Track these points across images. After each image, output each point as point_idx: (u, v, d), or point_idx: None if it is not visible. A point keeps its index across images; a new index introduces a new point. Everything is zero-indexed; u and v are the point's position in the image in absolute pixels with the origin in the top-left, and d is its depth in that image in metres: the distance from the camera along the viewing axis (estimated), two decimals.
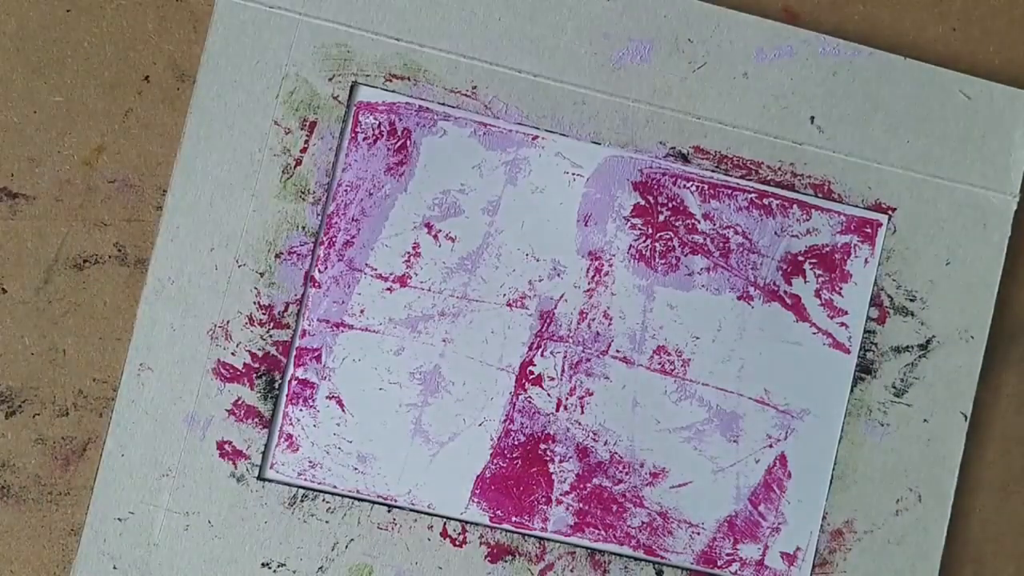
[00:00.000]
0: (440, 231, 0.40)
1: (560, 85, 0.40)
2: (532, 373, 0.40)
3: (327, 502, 0.39)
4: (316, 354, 0.39)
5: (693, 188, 0.41)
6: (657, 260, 0.41)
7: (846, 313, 0.41)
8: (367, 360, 0.40)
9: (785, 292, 0.41)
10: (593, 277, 0.40)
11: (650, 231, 0.41)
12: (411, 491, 0.40)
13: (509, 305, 0.40)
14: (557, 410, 0.40)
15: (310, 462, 0.39)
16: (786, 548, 0.41)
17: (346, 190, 0.40)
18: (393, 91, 0.40)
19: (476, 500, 0.40)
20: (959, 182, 0.41)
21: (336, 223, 0.39)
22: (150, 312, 0.39)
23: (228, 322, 0.39)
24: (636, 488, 0.41)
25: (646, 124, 0.40)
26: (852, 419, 0.41)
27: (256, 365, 0.39)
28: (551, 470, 0.40)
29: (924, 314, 0.41)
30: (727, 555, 0.41)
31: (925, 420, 0.41)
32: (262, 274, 0.39)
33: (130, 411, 0.39)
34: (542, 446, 0.40)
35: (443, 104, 0.40)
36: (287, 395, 0.39)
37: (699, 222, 0.41)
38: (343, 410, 0.39)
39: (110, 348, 0.39)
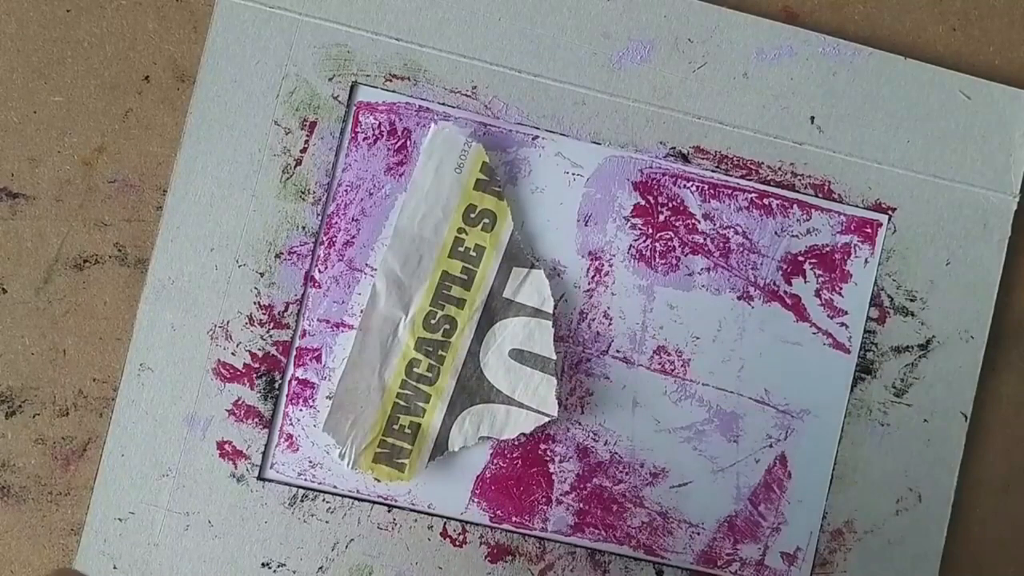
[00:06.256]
0: None
1: (560, 85, 0.40)
2: None
3: (327, 502, 0.39)
4: (316, 354, 0.39)
5: (693, 188, 0.41)
6: (657, 260, 0.41)
7: (846, 313, 0.41)
8: None
9: (785, 292, 0.41)
10: (593, 277, 0.40)
11: (650, 231, 0.41)
12: (411, 491, 0.40)
13: None
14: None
15: (310, 462, 0.39)
16: (786, 548, 0.41)
17: (346, 190, 0.40)
18: (393, 91, 0.40)
19: (476, 500, 0.40)
20: (959, 182, 0.41)
21: (336, 223, 0.39)
22: (150, 312, 0.39)
23: (228, 322, 0.39)
24: (636, 488, 0.41)
25: (646, 124, 0.40)
26: (852, 419, 0.41)
27: (256, 365, 0.39)
28: (551, 470, 0.40)
29: (924, 314, 0.41)
30: (727, 555, 0.41)
31: (925, 420, 0.41)
32: (262, 274, 0.39)
33: (130, 411, 0.39)
34: (542, 446, 0.40)
35: (443, 104, 0.40)
36: (287, 395, 0.39)
37: (699, 222, 0.41)
38: None
39: (110, 348, 0.39)
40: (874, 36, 0.42)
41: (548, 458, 0.40)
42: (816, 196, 0.41)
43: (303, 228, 0.39)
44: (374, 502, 0.39)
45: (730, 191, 0.41)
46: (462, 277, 0.39)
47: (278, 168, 0.39)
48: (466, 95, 0.40)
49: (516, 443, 0.40)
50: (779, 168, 0.41)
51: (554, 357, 0.39)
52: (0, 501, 0.39)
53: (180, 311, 0.39)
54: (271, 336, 0.39)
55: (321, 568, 0.39)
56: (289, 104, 0.39)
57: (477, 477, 0.40)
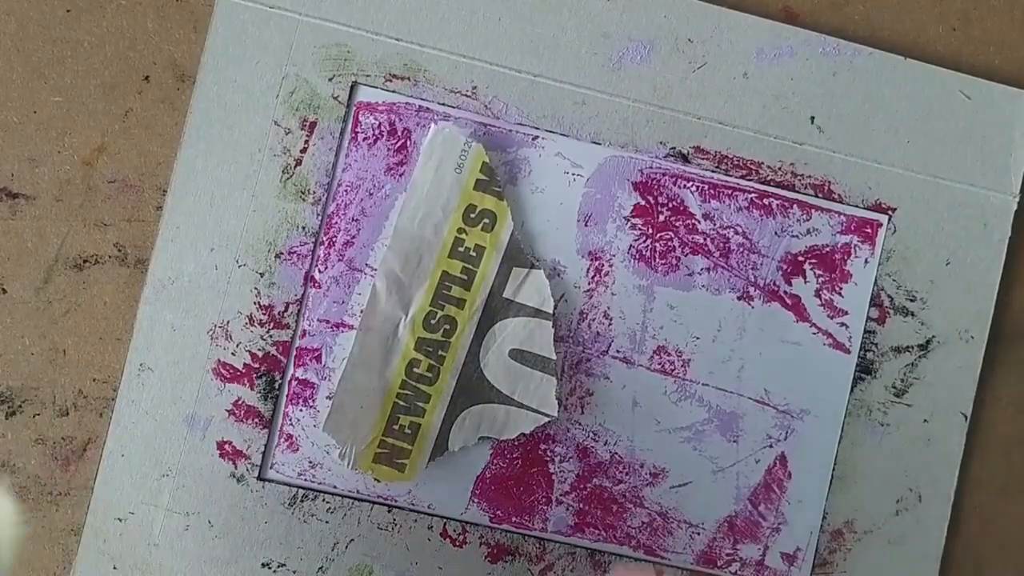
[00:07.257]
0: None
1: (560, 85, 0.40)
2: None
3: (327, 502, 0.39)
4: (316, 354, 0.39)
5: (693, 188, 0.41)
6: (657, 260, 0.41)
7: (846, 313, 0.41)
8: None
9: (785, 292, 0.41)
10: (593, 277, 0.40)
11: (650, 231, 0.41)
12: (411, 491, 0.40)
13: None
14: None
15: (310, 462, 0.39)
16: (786, 548, 0.41)
17: (346, 190, 0.40)
18: (393, 91, 0.40)
19: (476, 500, 0.40)
20: (959, 182, 0.41)
21: (336, 223, 0.39)
22: (150, 312, 0.39)
23: (228, 322, 0.39)
24: (636, 488, 0.41)
25: (646, 124, 0.40)
26: (852, 419, 0.41)
27: (256, 365, 0.39)
28: (551, 470, 0.40)
29: (924, 314, 0.41)
30: (727, 555, 0.41)
31: (925, 420, 0.41)
32: (262, 274, 0.39)
33: (130, 411, 0.39)
34: (542, 446, 0.40)
35: (443, 104, 0.40)
36: (287, 395, 0.39)
37: (699, 222, 0.41)
38: None
39: (110, 348, 0.39)
40: (874, 36, 0.42)
41: (548, 458, 0.40)
42: (816, 196, 0.41)
43: (303, 228, 0.39)
44: (374, 502, 0.39)
45: (730, 191, 0.41)
46: (462, 277, 0.39)
47: (278, 168, 0.39)
48: (466, 95, 0.40)
49: (516, 443, 0.40)
50: (779, 168, 0.41)
51: (554, 357, 0.39)
52: None
53: (180, 311, 0.39)
54: (271, 336, 0.39)
55: (321, 568, 0.39)
56: (289, 104, 0.39)
57: (477, 477, 0.40)
